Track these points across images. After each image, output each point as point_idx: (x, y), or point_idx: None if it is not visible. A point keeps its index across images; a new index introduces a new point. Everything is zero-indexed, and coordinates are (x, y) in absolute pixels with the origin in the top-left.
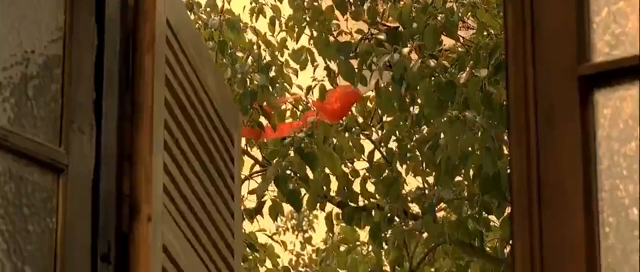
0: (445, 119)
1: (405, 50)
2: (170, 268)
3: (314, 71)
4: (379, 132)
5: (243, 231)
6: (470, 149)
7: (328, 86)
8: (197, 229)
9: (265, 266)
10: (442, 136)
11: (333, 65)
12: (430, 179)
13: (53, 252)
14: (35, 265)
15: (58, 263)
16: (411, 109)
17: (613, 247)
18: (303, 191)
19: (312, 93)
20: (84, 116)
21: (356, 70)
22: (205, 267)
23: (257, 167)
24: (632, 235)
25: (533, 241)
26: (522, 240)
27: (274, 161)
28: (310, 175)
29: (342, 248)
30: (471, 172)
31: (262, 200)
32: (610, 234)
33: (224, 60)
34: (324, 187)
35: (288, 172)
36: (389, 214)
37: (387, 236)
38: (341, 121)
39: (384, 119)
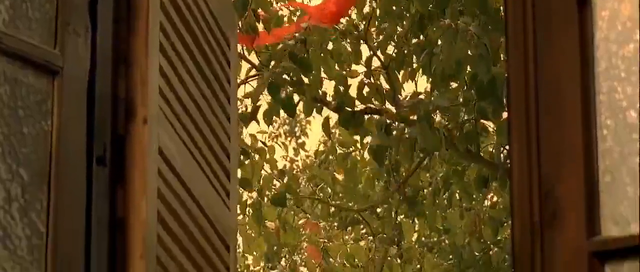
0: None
1: None
2: (166, 170)
3: None
4: (379, 36)
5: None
6: (464, 56)
7: None
8: (193, 132)
9: (264, 170)
10: (438, 44)
11: None
12: (425, 85)
13: (48, 154)
14: (30, 167)
15: (53, 165)
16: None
17: (611, 150)
18: (297, 97)
19: None
20: (79, 18)
21: None
22: (201, 169)
23: (253, 71)
24: (629, 138)
25: (530, 144)
26: (519, 144)
27: (270, 66)
28: (306, 80)
29: (339, 151)
30: (466, 79)
31: (257, 105)
32: (608, 136)
33: None
34: (319, 91)
35: (284, 76)
36: (386, 122)
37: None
38: (337, 26)
39: (381, 26)
